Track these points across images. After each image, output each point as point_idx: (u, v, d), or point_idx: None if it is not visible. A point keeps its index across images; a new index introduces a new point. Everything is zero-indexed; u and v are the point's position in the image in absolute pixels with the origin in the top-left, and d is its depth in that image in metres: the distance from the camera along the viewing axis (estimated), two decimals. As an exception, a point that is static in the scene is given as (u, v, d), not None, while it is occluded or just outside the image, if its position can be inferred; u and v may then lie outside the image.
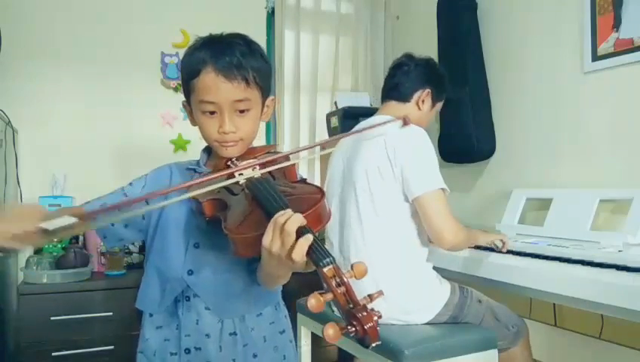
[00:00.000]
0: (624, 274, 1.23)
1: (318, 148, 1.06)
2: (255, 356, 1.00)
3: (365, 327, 0.60)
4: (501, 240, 1.64)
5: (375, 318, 0.61)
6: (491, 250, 1.66)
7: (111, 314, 2.02)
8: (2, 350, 2.01)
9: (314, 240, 0.71)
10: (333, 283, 0.65)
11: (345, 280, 0.65)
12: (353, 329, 0.61)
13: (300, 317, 1.88)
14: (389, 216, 1.54)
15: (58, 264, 2.04)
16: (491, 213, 2.25)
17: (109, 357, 2.01)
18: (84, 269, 2.07)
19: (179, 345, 0.98)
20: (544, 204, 1.95)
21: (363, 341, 0.61)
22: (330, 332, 0.60)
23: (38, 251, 2.23)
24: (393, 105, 1.72)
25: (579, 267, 1.35)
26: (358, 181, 1.58)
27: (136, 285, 2.08)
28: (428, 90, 1.72)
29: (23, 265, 2.08)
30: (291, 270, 0.81)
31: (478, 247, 1.69)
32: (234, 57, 0.94)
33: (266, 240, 0.75)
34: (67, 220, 0.78)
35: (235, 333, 0.98)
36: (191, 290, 0.98)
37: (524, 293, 1.52)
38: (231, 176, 0.90)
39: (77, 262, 2.06)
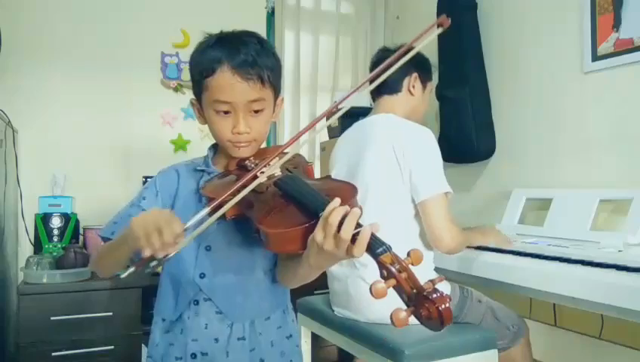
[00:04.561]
0: (624, 274, 1.22)
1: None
2: (262, 361, 0.99)
3: (440, 309, 0.60)
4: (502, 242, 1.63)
5: (448, 299, 0.60)
6: (493, 249, 1.65)
7: (111, 314, 2.02)
8: (2, 350, 2.01)
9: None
10: (394, 269, 0.64)
11: (405, 265, 0.65)
12: (426, 311, 0.61)
13: (300, 317, 1.88)
14: (394, 217, 1.54)
15: (58, 264, 2.04)
16: (491, 213, 2.25)
17: (109, 357, 2.00)
18: (84, 269, 2.06)
19: (184, 349, 0.96)
20: (544, 204, 1.95)
21: (438, 322, 0.60)
22: (401, 316, 0.60)
23: (38, 251, 2.24)
24: (387, 100, 1.72)
25: (579, 267, 1.35)
26: (364, 182, 1.57)
27: (137, 285, 2.11)
28: (415, 75, 1.71)
29: (23, 265, 2.08)
30: (341, 261, 0.79)
31: (479, 247, 1.68)
32: (249, 56, 0.92)
33: (319, 237, 0.74)
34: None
35: (243, 338, 0.97)
36: (201, 294, 0.96)
37: (524, 293, 1.52)
38: (253, 177, 0.88)
39: (77, 262, 2.05)
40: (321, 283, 1.66)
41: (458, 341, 1.49)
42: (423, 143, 1.54)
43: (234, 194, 0.84)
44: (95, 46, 2.49)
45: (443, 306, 0.60)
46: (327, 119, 1.00)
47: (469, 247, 1.67)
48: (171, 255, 0.78)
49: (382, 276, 0.65)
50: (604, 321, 1.82)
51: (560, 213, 1.84)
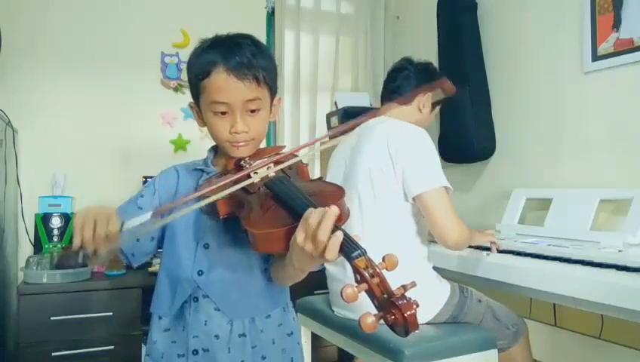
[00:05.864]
0: (624, 274, 1.23)
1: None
2: (264, 358, 0.99)
3: (405, 315, 0.60)
4: (492, 243, 1.64)
5: (414, 306, 0.61)
6: (488, 249, 1.66)
7: (111, 314, 2.02)
8: (2, 350, 2.01)
9: (344, 235, 0.72)
10: (367, 274, 0.65)
11: (378, 271, 0.65)
12: (392, 317, 0.61)
13: (300, 316, 1.88)
14: (390, 215, 1.54)
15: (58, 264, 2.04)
16: (491, 213, 2.25)
17: (109, 357, 2.01)
18: (84, 269, 2.06)
19: (186, 346, 0.97)
20: (544, 204, 1.95)
21: (403, 329, 0.61)
22: (368, 320, 0.60)
23: (38, 251, 2.24)
24: (394, 107, 1.74)
25: (579, 267, 1.35)
26: (360, 181, 1.58)
27: (137, 285, 2.11)
28: (429, 95, 1.75)
29: (23, 265, 2.08)
30: (320, 263, 0.81)
31: (478, 247, 1.69)
32: (244, 57, 0.94)
33: (300, 238, 0.75)
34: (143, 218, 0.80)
35: (244, 335, 0.98)
36: (200, 291, 0.97)
37: (524, 293, 1.52)
38: (246, 175, 0.90)
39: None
40: (321, 283, 1.67)
41: (458, 341, 1.49)
42: (417, 142, 1.55)
43: (222, 189, 0.84)
44: (95, 46, 2.49)
45: (409, 312, 0.60)
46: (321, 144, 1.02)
47: (470, 247, 1.68)
48: (101, 252, 0.79)
49: (355, 280, 0.66)
50: (604, 321, 1.82)
51: (560, 213, 1.84)
